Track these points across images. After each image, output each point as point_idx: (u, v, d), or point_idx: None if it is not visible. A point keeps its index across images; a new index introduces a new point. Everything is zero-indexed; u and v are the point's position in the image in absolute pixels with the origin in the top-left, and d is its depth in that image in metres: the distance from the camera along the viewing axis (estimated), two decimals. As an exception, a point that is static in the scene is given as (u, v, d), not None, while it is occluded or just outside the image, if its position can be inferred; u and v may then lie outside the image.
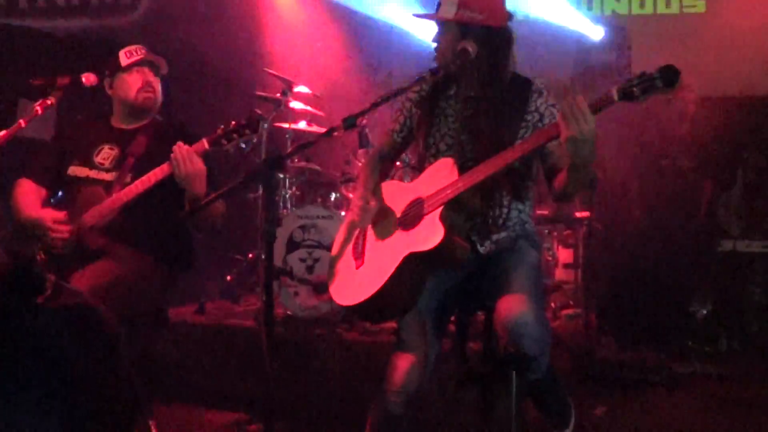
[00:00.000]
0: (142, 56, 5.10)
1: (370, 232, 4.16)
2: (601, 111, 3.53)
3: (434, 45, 4.19)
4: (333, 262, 4.29)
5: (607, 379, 6.52)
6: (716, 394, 6.37)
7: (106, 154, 5.02)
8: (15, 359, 1.72)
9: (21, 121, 5.22)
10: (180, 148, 4.61)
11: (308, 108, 7.75)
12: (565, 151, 3.61)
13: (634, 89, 3.43)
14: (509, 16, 4.19)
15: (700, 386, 6.50)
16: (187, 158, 4.58)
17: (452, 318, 4.33)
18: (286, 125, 7.62)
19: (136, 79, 5.07)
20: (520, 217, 4.17)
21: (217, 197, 4.02)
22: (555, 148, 3.82)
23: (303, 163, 7.64)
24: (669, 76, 3.38)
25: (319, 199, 7.26)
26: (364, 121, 7.10)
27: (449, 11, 4.09)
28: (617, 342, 7.08)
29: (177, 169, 4.59)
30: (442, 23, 4.16)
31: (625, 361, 6.74)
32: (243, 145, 4.72)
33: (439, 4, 4.15)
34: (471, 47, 4.04)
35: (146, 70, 5.10)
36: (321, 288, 6.38)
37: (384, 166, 4.55)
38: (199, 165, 4.61)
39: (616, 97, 3.48)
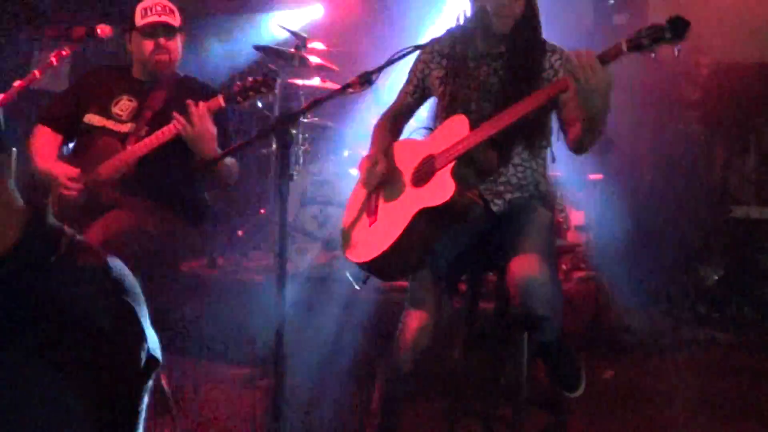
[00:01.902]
0: (155, 18, 4.98)
1: (383, 191, 4.15)
2: (610, 62, 3.54)
3: (500, 4, 4.06)
4: (346, 221, 4.29)
5: (616, 343, 6.53)
6: (725, 360, 6.39)
7: (124, 105, 5.00)
8: (23, 323, 1.70)
9: (35, 71, 5.22)
10: (194, 107, 4.59)
11: (322, 63, 7.70)
12: (578, 102, 3.60)
13: (643, 39, 3.44)
14: None
15: (709, 352, 6.52)
16: (198, 119, 4.57)
17: (464, 277, 4.33)
18: (299, 81, 7.58)
19: (149, 42, 4.99)
20: (534, 176, 4.15)
21: (227, 154, 4.00)
22: (569, 99, 3.81)
23: (315, 119, 7.61)
24: (678, 26, 3.40)
25: (332, 156, 7.23)
26: (378, 78, 7.05)
27: None
28: (627, 305, 7.08)
29: (185, 129, 4.59)
30: None
31: (634, 325, 6.74)
32: (259, 104, 4.69)
33: None
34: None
35: (160, 31, 5.01)
36: (332, 245, 6.38)
37: (397, 126, 4.53)
38: (208, 127, 4.60)
39: (625, 48, 3.51)
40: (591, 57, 3.51)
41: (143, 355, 1.77)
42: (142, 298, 1.95)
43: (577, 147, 3.97)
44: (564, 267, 7.26)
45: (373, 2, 10.11)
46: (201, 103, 4.60)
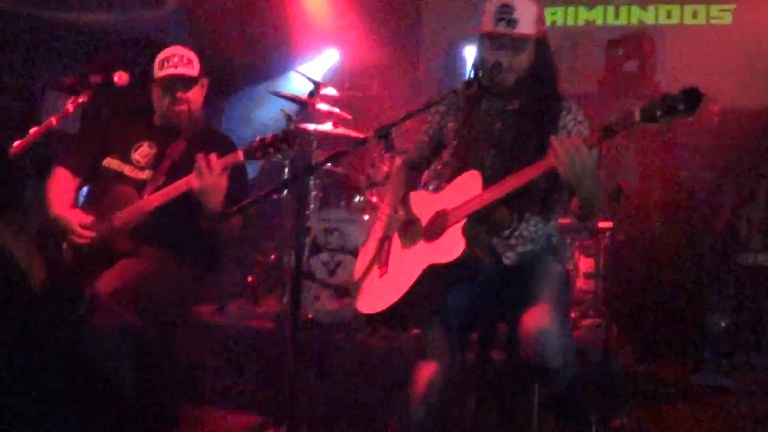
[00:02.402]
0: (171, 71, 5.05)
1: (396, 241, 4.20)
2: (620, 131, 3.59)
3: (501, 62, 4.13)
4: (358, 270, 4.32)
5: (626, 391, 6.52)
6: (733, 407, 6.36)
7: (144, 151, 5.05)
8: (47, 375, 1.74)
9: (53, 118, 5.28)
10: (205, 159, 4.61)
11: (335, 110, 7.74)
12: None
13: (656, 110, 3.47)
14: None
15: (717, 399, 6.49)
16: (210, 172, 4.59)
17: (476, 328, 4.35)
18: (311, 127, 7.63)
19: (166, 92, 5.07)
20: (545, 230, 4.19)
21: (233, 213, 4.02)
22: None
23: (328, 166, 7.63)
24: (691, 99, 3.42)
25: (343, 203, 7.26)
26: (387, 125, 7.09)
27: (530, 27, 4.10)
28: (636, 353, 7.08)
29: (197, 180, 4.60)
30: (516, 40, 4.12)
31: (643, 373, 6.74)
32: (276, 159, 4.72)
33: (512, 20, 4.07)
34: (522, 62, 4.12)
35: (176, 84, 5.07)
36: (342, 292, 6.40)
37: (413, 176, 4.60)
38: (220, 181, 4.61)
39: (638, 118, 3.53)
40: (578, 140, 3.59)
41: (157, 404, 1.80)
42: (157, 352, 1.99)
43: (578, 217, 4.05)
44: (573, 315, 7.28)
45: (389, 47, 10.19)
46: (213, 157, 4.63)
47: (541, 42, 4.18)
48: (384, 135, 3.78)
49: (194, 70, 5.11)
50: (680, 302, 7.51)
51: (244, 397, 5.98)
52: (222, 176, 4.60)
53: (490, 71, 4.10)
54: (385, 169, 7.08)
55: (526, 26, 4.08)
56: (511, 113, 4.18)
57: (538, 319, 3.74)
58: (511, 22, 4.06)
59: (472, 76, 4.26)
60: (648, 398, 6.34)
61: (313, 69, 9.14)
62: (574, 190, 3.73)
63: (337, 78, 8.86)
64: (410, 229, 4.17)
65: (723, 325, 7.46)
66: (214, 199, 4.61)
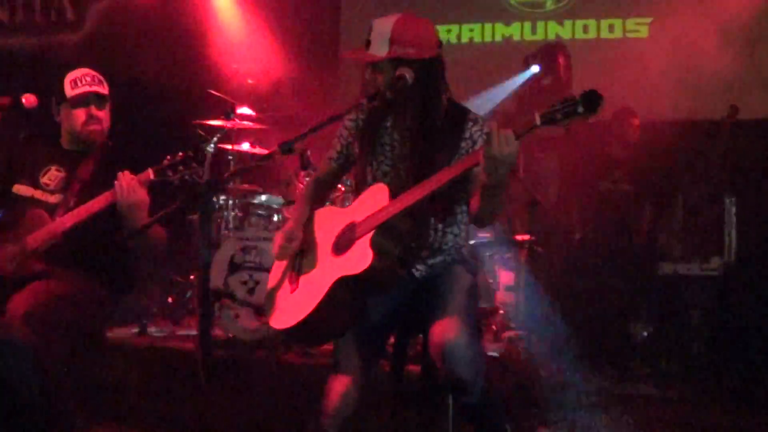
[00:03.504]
0: (86, 89, 5.00)
1: (305, 258, 4.19)
2: (524, 135, 3.65)
3: (369, 82, 4.22)
4: (269, 287, 4.32)
5: (548, 401, 6.55)
6: (657, 415, 6.42)
7: (52, 175, 5.01)
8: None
9: (-42, 140, 5.21)
10: (123, 178, 4.60)
11: (251, 128, 7.74)
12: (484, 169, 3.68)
13: (556, 114, 3.55)
14: (440, 44, 4.24)
15: (640, 408, 6.55)
16: (131, 188, 4.57)
17: (391, 340, 4.36)
18: (229, 147, 7.61)
19: (81, 112, 5.00)
20: (455, 241, 4.21)
21: (153, 222, 4.01)
22: (478, 173, 3.87)
23: (245, 185, 7.63)
24: (591, 101, 3.50)
25: (261, 222, 7.24)
26: (304, 143, 7.11)
27: (381, 50, 4.12)
28: (558, 364, 7.13)
29: (119, 198, 4.58)
30: (375, 62, 4.17)
31: (566, 383, 6.78)
32: (187, 177, 4.69)
33: (368, 42, 4.15)
34: (408, 74, 4.08)
35: (91, 101, 5.03)
36: (262, 310, 6.37)
37: (323, 192, 4.62)
38: (142, 195, 4.60)
39: (538, 122, 3.62)
40: (509, 130, 3.62)
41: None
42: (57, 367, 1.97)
43: (478, 218, 4.08)
44: (494, 327, 7.31)
45: (304, 66, 10.21)
46: (128, 174, 4.61)
47: (399, 61, 4.15)
48: (287, 150, 3.77)
49: (105, 89, 5.09)
50: (603, 312, 7.58)
51: (164, 418, 5.93)
52: (143, 190, 4.59)
53: (395, 84, 4.12)
54: (302, 186, 7.09)
55: (375, 47, 4.14)
56: (415, 128, 4.19)
57: (446, 330, 3.76)
58: (367, 44, 4.18)
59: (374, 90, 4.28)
60: (571, 408, 6.37)
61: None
62: (487, 178, 3.74)
63: (257, 99, 8.83)
64: (318, 246, 4.18)
65: (646, 334, 7.54)
66: (137, 213, 4.62)
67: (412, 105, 4.18)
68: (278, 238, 4.29)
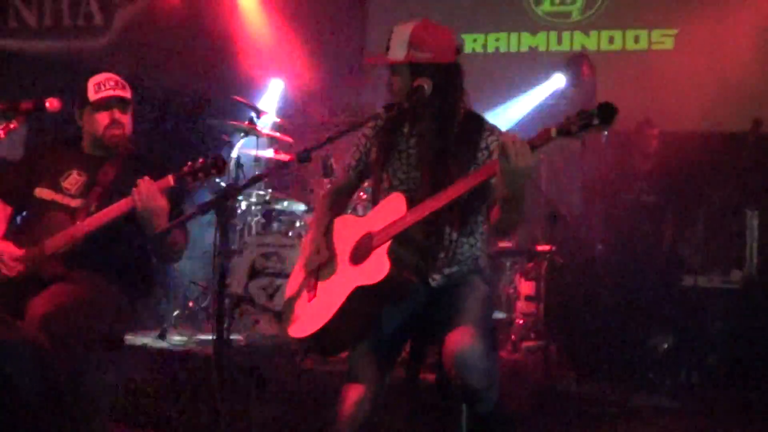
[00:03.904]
0: (110, 93, 5.02)
1: (324, 267, 4.23)
2: (540, 147, 3.68)
3: (388, 85, 4.27)
4: (288, 295, 4.36)
5: (567, 412, 6.56)
6: (676, 427, 6.42)
7: (74, 179, 5.02)
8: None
9: (-17, 145, 5.26)
10: (143, 184, 4.62)
11: (276, 135, 7.79)
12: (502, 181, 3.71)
13: (572, 126, 3.59)
14: (458, 50, 4.28)
15: (660, 419, 6.54)
16: (150, 195, 4.59)
17: (407, 348, 4.39)
18: (253, 152, 7.66)
19: (104, 116, 5.01)
20: (472, 252, 4.24)
21: (172, 227, 4.04)
22: (497, 183, 3.89)
23: (267, 191, 7.67)
24: (606, 113, 3.53)
25: (283, 228, 7.28)
26: (328, 151, 7.14)
27: (399, 53, 4.17)
28: (578, 375, 7.14)
29: (138, 204, 4.61)
30: (394, 65, 4.23)
31: (585, 394, 6.78)
32: (206, 185, 4.72)
33: (388, 47, 4.20)
34: (426, 84, 4.11)
35: (115, 104, 5.05)
36: (281, 316, 6.40)
37: (341, 201, 4.64)
38: (161, 202, 4.61)
39: (554, 134, 3.65)
40: (524, 141, 3.65)
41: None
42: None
43: (498, 228, 4.11)
44: (513, 337, 7.32)
45: (331, 72, 10.25)
46: (150, 181, 4.64)
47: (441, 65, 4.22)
48: (304, 158, 3.80)
49: (128, 93, 5.12)
50: (623, 323, 7.57)
51: (183, 422, 5.97)
52: (162, 197, 4.62)
53: (413, 93, 4.15)
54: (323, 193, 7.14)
55: (395, 52, 4.19)
56: (432, 135, 4.23)
57: (461, 340, 3.79)
58: (387, 49, 4.23)
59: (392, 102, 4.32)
60: (589, 419, 6.38)
61: (261, 99, 9.17)
62: (506, 189, 3.77)
63: (283, 105, 8.89)
64: (335, 255, 4.22)
65: (665, 346, 7.52)
66: (157, 220, 4.62)
67: (429, 114, 4.21)
68: (305, 246, 4.34)
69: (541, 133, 3.69)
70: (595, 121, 3.54)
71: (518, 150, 3.63)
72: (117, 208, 4.70)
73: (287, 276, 6.33)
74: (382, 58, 4.26)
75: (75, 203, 4.91)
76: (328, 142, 3.97)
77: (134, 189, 4.61)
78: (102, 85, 5.04)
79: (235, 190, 3.93)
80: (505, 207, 3.87)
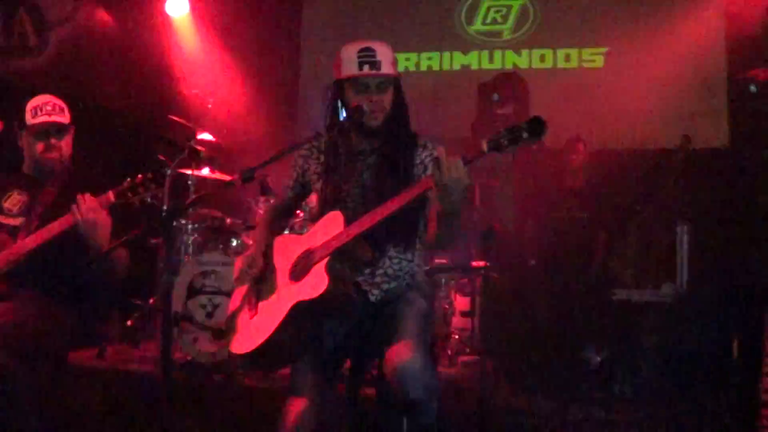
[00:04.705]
0: (46, 119, 5.05)
1: (264, 284, 4.28)
2: (472, 162, 3.79)
3: (371, 100, 4.30)
4: (229, 312, 4.40)
5: (503, 425, 6.63)
6: (609, 439, 6.51)
7: (15, 199, 5.03)
8: None
9: None
10: (82, 200, 4.65)
11: (211, 154, 7.81)
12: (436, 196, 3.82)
13: (502, 140, 3.68)
14: None
15: (592, 431, 6.63)
16: (90, 209, 4.63)
17: (347, 363, 4.45)
18: (189, 171, 7.68)
19: (40, 139, 5.06)
20: (410, 267, 4.33)
21: (117, 246, 4.06)
22: (433, 197, 3.98)
23: (204, 210, 7.69)
24: (535, 127, 3.64)
25: (221, 246, 7.30)
26: (266, 169, 7.16)
27: (391, 69, 4.30)
28: (513, 388, 7.21)
29: (78, 219, 4.63)
30: (381, 81, 4.30)
31: (521, 407, 6.86)
32: (148, 199, 4.75)
33: (375, 62, 4.25)
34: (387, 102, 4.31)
35: (50, 131, 5.07)
36: (220, 334, 6.43)
37: (281, 219, 4.75)
38: (102, 217, 4.65)
39: (485, 148, 3.74)
40: (456, 156, 3.75)
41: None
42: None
43: (435, 243, 4.21)
44: (449, 352, 7.39)
45: (265, 92, 10.30)
46: (89, 196, 4.67)
47: (397, 83, 4.34)
48: (248, 178, 3.87)
49: (66, 118, 5.14)
50: (557, 337, 7.65)
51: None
52: (104, 212, 4.65)
53: (354, 114, 4.23)
54: (261, 212, 7.18)
55: (387, 67, 4.27)
56: (371, 153, 4.34)
57: (401, 354, 3.85)
58: (375, 64, 4.24)
59: (329, 120, 4.40)
60: (524, 432, 6.45)
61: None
62: (440, 204, 3.87)
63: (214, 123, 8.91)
64: (275, 272, 4.27)
65: (599, 359, 7.62)
66: (99, 235, 4.67)
67: (386, 133, 4.35)
68: (239, 263, 4.40)
69: (473, 148, 3.78)
70: (525, 135, 3.63)
71: (450, 164, 3.73)
72: (58, 224, 4.72)
73: (226, 294, 6.43)
74: (375, 72, 4.28)
75: (16, 222, 4.93)
76: (271, 161, 4.03)
77: (74, 205, 4.64)
78: (39, 110, 5.06)
79: (180, 210, 3.97)
80: (441, 222, 3.97)
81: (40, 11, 9.86)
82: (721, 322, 7.32)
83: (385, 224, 3.99)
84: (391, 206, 3.94)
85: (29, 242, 4.77)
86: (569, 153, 8.31)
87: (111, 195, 4.69)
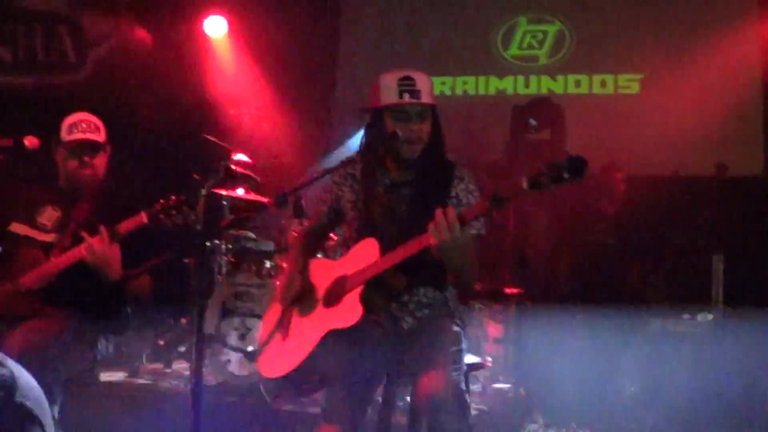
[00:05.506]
0: (81, 136, 5.10)
1: (297, 308, 4.27)
2: (510, 200, 3.77)
3: (411, 130, 4.27)
4: (261, 336, 4.41)
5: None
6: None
7: (49, 215, 5.08)
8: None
9: (-42, 181, 5.31)
10: (91, 239, 4.71)
11: (246, 174, 7.81)
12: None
13: (542, 179, 3.60)
14: None
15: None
16: (96, 248, 4.67)
17: (378, 391, 4.42)
18: (223, 192, 7.68)
19: (75, 156, 5.10)
20: (442, 295, 4.31)
21: (139, 274, 4.07)
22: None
23: (238, 231, 7.67)
24: (576, 167, 3.54)
25: (254, 267, 7.29)
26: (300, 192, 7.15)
27: (430, 97, 4.29)
28: (546, 417, 7.16)
29: (87, 254, 4.70)
30: (422, 110, 4.29)
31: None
32: (179, 222, 4.76)
33: (415, 91, 4.24)
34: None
35: (85, 149, 5.11)
36: (253, 356, 6.42)
37: (315, 243, 4.73)
38: (109, 252, 4.72)
39: (525, 186, 3.66)
40: (453, 216, 3.73)
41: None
42: (45, 406, 2.04)
43: (454, 286, 4.24)
44: (481, 380, 7.35)
45: (299, 114, 10.31)
46: (103, 230, 4.72)
47: (435, 112, 4.33)
48: (282, 201, 3.87)
49: (101, 136, 5.17)
50: (590, 366, 7.60)
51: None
52: (111, 247, 4.67)
53: (390, 139, 4.22)
54: (295, 234, 7.15)
55: (427, 96, 4.25)
56: (406, 184, 4.33)
57: (433, 382, 3.83)
58: (416, 93, 4.22)
59: (366, 147, 4.38)
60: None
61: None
62: (444, 263, 3.87)
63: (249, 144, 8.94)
64: (309, 297, 4.26)
65: (633, 388, 7.56)
66: (107, 269, 4.73)
67: (422, 165, 4.33)
68: (283, 281, 4.41)
69: (511, 185, 3.73)
70: (565, 175, 3.57)
71: (443, 226, 3.73)
72: (72, 255, 4.80)
73: (258, 316, 6.41)
74: (418, 102, 4.27)
75: (49, 238, 4.97)
76: (306, 185, 4.03)
77: (86, 240, 4.69)
78: (75, 127, 5.11)
79: (214, 231, 3.97)
80: (452, 275, 3.98)
81: (80, 29, 9.97)
82: (757, 352, 7.25)
83: (419, 256, 3.96)
84: (424, 240, 3.90)
85: (60, 262, 4.81)
86: (606, 180, 8.25)
87: (144, 216, 4.72)
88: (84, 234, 4.72)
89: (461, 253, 3.80)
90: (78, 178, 5.11)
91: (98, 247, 4.66)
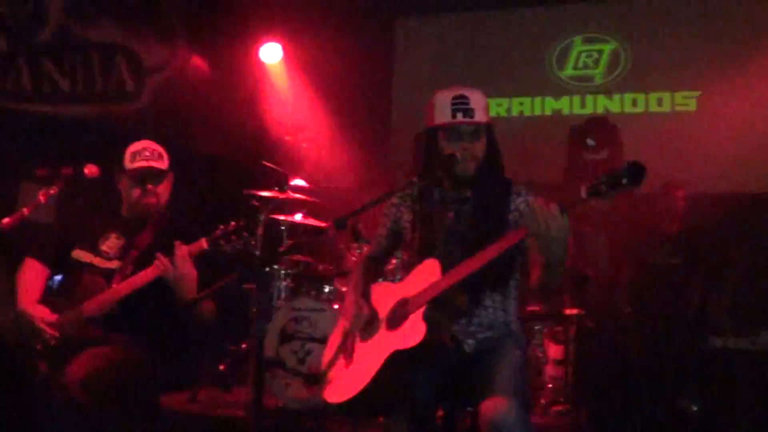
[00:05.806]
0: (143, 164, 5.12)
1: (361, 333, 4.27)
2: (571, 208, 3.72)
3: (465, 149, 4.31)
4: (325, 360, 4.40)
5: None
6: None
7: (112, 242, 5.11)
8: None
9: (24, 209, 5.40)
10: (178, 249, 4.72)
11: (305, 200, 7.85)
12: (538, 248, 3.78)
13: (602, 186, 3.58)
14: None
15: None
16: (179, 261, 4.69)
17: (441, 413, 4.41)
18: (282, 217, 7.71)
19: (137, 184, 5.14)
20: (504, 316, 4.30)
21: (204, 297, 4.08)
22: (532, 244, 3.94)
23: (297, 256, 7.70)
24: (634, 173, 3.52)
25: (313, 292, 7.31)
26: (358, 216, 7.17)
27: (483, 115, 4.32)
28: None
29: (167, 271, 4.71)
30: (476, 129, 4.32)
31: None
32: (239, 247, 4.79)
33: (468, 109, 4.27)
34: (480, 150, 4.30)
35: (148, 177, 5.14)
36: (312, 380, 6.43)
37: (376, 267, 4.73)
38: (188, 269, 4.72)
39: (584, 195, 3.65)
40: (552, 207, 3.69)
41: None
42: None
43: (539, 288, 4.12)
44: (542, 401, 7.31)
45: (356, 138, 10.35)
46: (182, 246, 4.72)
47: (490, 130, 4.32)
48: (341, 225, 3.87)
49: (164, 164, 5.20)
50: (652, 386, 7.54)
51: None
52: (190, 264, 4.69)
53: (447, 162, 4.22)
54: (353, 258, 7.17)
55: (480, 115, 4.26)
56: (464, 201, 4.33)
57: (497, 406, 3.79)
58: (469, 112, 4.24)
59: (422, 168, 4.38)
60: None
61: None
62: (543, 255, 3.82)
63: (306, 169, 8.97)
64: (372, 321, 4.26)
65: (695, 409, 7.49)
66: (186, 286, 4.73)
67: (479, 182, 4.33)
68: (348, 308, 4.40)
69: (571, 194, 3.72)
70: (624, 181, 3.55)
71: (547, 215, 3.68)
72: (151, 272, 4.80)
73: (318, 340, 6.42)
74: (470, 120, 4.30)
75: (112, 265, 5.01)
76: (365, 209, 4.03)
77: (158, 257, 4.72)
78: (137, 155, 5.15)
79: (273, 257, 3.98)
80: (544, 270, 3.91)
81: (138, 58, 10.06)
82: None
83: (480, 273, 3.95)
84: (486, 255, 3.90)
85: (123, 288, 4.84)
86: (667, 198, 8.19)
87: (204, 242, 4.74)
88: (158, 254, 4.74)
89: (562, 244, 3.78)
90: (141, 206, 5.15)
91: (180, 262, 4.68)
